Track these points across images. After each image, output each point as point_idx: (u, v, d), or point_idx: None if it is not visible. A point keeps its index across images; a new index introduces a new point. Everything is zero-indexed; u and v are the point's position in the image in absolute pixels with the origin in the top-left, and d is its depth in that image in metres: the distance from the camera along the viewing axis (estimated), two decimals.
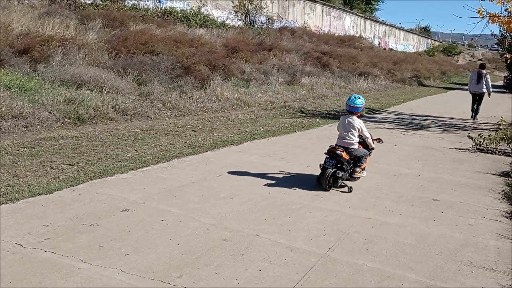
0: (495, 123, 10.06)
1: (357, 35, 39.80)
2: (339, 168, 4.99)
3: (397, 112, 13.57)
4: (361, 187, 5.18)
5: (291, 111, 11.92)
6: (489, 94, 12.82)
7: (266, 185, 5.10)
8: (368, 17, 44.55)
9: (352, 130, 5.11)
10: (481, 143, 7.97)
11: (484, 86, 12.54)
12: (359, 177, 5.30)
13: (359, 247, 3.55)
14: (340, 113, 12.26)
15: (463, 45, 77.68)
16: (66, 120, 8.01)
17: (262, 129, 8.71)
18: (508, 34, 16.46)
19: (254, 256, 3.30)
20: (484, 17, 10.28)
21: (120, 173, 5.31)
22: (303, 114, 11.58)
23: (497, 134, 8.23)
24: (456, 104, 17.15)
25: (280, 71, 18.03)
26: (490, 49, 68.90)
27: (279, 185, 5.13)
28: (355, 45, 32.72)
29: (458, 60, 57.20)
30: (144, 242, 3.46)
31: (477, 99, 12.70)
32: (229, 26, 22.63)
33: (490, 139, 7.97)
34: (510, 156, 7.49)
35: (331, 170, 4.91)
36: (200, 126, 8.71)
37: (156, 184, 4.93)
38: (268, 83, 15.94)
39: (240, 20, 25.17)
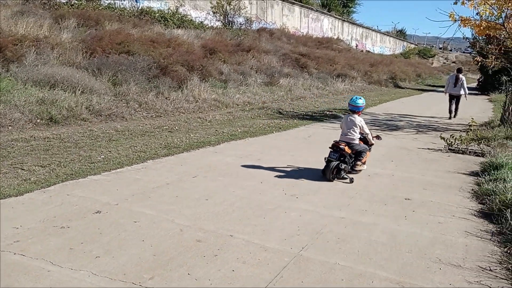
0: (467, 124, 10.31)
1: (335, 37, 40.26)
2: (342, 161, 5.52)
3: (373, 113, 13.77)
4: (335, 188, 5.26)
5: (269, 112, 11.98)
6: (465, 96, 13.75)
7: (241, 186, 5.11)
8: (345, 20, 45.07)
9: (354, 127, 5.67)
10: (453, 143, 8.16)
11: (461, 89, 13.42)
12: (360, 170, 5.85)
13: (332, 246, 3.60)
14: (318, 114, 12.42)
15: (439, 48, 79.35)
16: (38, 121, 7.86)
17: (239, 130, 8.72)
18: (480, 38, 16.90)
19: (227, 257, 3.31)
20: (456, 20, 10.57)
21: (93, 174, 5.24)
22: (281, 115, 11.64)
23: (468, 135, 8.45)
24: (430, 105, 17.54)
25: (259, 72, 18.10)
26: (464, 52, 70.57)
27: (254, 186, 5.15)
28: (333, 47, 33.10)
29: (432, 63, 58.42)
30: (116, 244, 3.43)
31: (454, 100, 13.57)
32: (207, 26, 22.56)
33: (461, 140, 8.18)
34: (480, 156, 7.69)
35: (335, 162, 5.44)
36: (176, 127, 8.67)
37: (129, 186, 4.89)
38: (246, 84, 15.98)
39: (218, 20, 25.10)
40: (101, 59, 11.36)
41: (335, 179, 5.49)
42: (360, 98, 5.78)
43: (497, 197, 4.75)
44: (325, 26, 40.60)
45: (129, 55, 12.45)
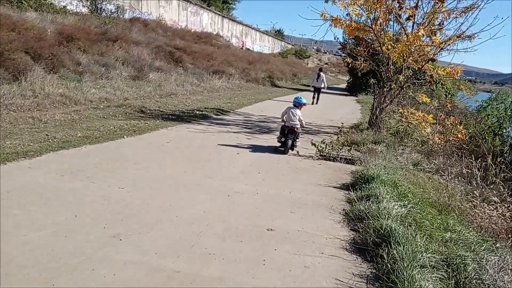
0: (338, 127, 9.98)
1: (215, 32, 39.35)
2: (293, 140, 7.59)
3: (247, 113, 12.95)
4: (181, 218, 4.03)
5: (128, 111, 10.35)
6: (324, 88, 18.92)
7: (43, 223, 3.58)
8: (225, 16, 44.45)
9: (296, 116, 7.62)
10: (324, 149, 7.59)
11: (322, 83, 18.38)
12: (297, 145, 7.76)
13: None
14: (186, 113, 11.19)
15: (313, 49, 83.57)
16: None
17: (79, 135, 7.03)
18: (349, 40, 17.29)
19: None
20: (327, 19, 10.15)
21: None
22: (142, 115, 10.10)
23: (338, 140, 7.95)
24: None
25: (126, 65, 16.20)
26: (335, 54, 75.34)
27: (64, 222, 3.65)
28: (212, 42, 32.08)
29: (308, 63, 61.12)
30: None
31: (317, 92, 18.50)
32: (71, 12, 19.75)
33: (332, 146, 7.64)
34: (350, 163, 7.19)
35: (291, 141, 7.53)
36: None
37: None
38: (108, 77, 14.02)
39: (85, 6, 22.26)
40: None
41: (288, 152, 7.53)
42: (302, 98, 7.97)
43: (371, 222, 4.01)
44: (204, 21, 39.44)
45: None
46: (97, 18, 20.85)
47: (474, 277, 3.08)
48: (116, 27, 20.66)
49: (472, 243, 3.76)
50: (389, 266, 3.12)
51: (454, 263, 3.21)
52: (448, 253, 3.36)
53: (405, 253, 3.15)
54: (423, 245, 3.40)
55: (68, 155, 5.83)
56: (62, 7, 20.02)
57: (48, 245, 3.21)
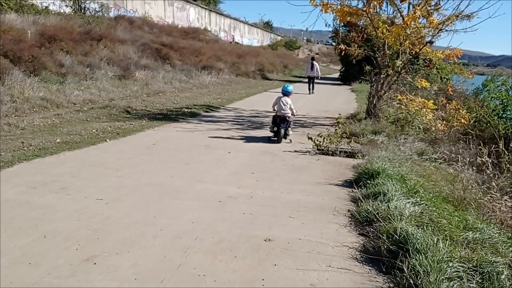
0: (334, 118, 9.50)
1: (202, 27, 38.65)
2: (285, 129, 7.62)
3: (238, 108, 12.44)
4: (168, 231, 3.55)
5: (113, 112, 9.81)
6: (318, 77, 19.52)
7: (4, 247, 3.10)
8: (212, 10, 43.72)
9: (287, 105, 7.71)
10: (321, 143, 7.10)
11: (315, 72, 18.82)
12: (290, 133, 7.82)
13: None
14: (174, 112, 10.68)
15: (303, 39, 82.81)
16: None
17: (57, 140, 6.50)
18: (341, 27, 16.78)
19: None
20: (317, 5, 9.63)
21: None
22: (127, 116, 9.56)
23: (336, 132, 7.46)
24: (297, 98, 16.96)
25: (111, 64, 15.63)
26: (325, 44, 74.69)
27: (30, 245, 3.15)
28: (200, 37, 31.43)
29: (298, 54, 60.47)
30: None
31: (312, 81, 18.67)
32: (54, 12, 19.08)
33: (330, 139, 7.16)
34: (350, 157, 6.72)
35: (283, 130, 7.56)
36: None
37: None
38: (92, 78, 13.46)
39: (68, 6, 21.57)
40: None
41: (281, 141, 7.59)
42: (289, 86, 8.16)
43: (382, 225, 3.54)
44: (191, 16, 38.73)
45: None
46: (81, 18, 20.21)
47: (510, 286, 2.62)
48: (101, 26, 20.03)
49: (498, 243, 3.31)
50: (411, 280, 2.65)
51: (485, 271, 2.74)
52: (477, 259, 2.89)
53: (429, 264, 2.68)
54: (447, 251, 2.93)
55: (43, 164, 5.31)
56: (44, 7, 19.38)
57: (6, 276, 2.71)
